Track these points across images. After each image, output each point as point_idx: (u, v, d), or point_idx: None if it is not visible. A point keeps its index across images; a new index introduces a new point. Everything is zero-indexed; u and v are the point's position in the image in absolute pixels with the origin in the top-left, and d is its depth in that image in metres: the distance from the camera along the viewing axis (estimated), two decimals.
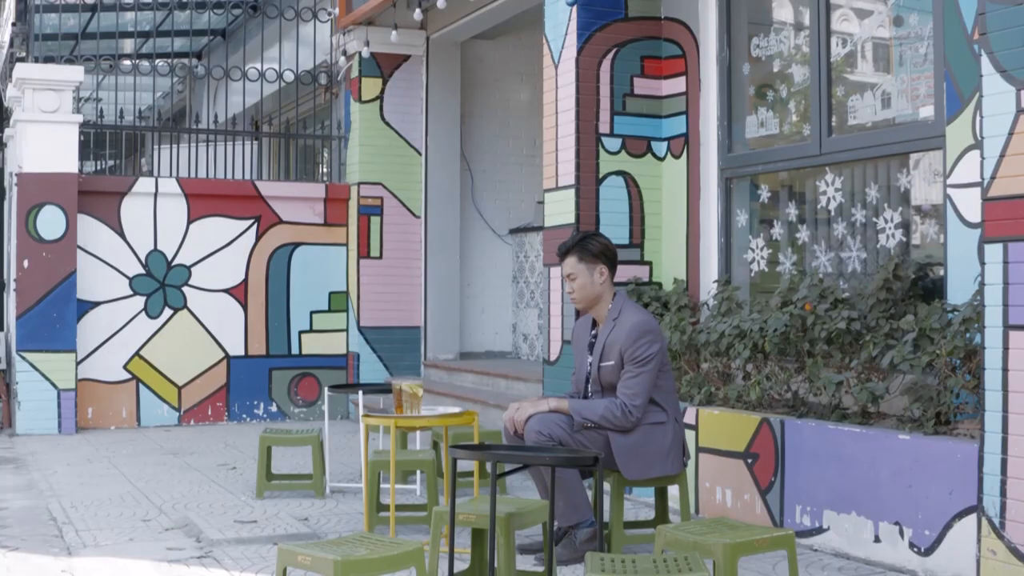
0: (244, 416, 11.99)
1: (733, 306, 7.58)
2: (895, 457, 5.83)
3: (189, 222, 11.79)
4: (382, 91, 12.42)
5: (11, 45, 12.92)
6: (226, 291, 11.89)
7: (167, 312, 11.68)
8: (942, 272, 6.42)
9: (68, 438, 10.74)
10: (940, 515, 5.60)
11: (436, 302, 12.54)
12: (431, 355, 12.47)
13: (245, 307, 11.98)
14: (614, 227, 8.31)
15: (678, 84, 8.48)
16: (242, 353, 11.99)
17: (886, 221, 7.01)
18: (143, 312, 11.59)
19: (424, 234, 12.54)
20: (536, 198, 12.09)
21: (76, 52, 12.81)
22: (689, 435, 7.00)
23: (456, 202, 12.74)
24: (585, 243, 6.05)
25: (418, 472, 7.82)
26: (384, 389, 8.02)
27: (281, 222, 12.15)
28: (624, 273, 8.19)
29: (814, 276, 7.07)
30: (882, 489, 5.90)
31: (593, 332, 6.13)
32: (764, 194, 8.03)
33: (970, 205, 6.06)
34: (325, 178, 13.97)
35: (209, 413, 11.86)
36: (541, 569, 5.78)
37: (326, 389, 8.37)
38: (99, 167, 15.19)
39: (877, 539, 5.93)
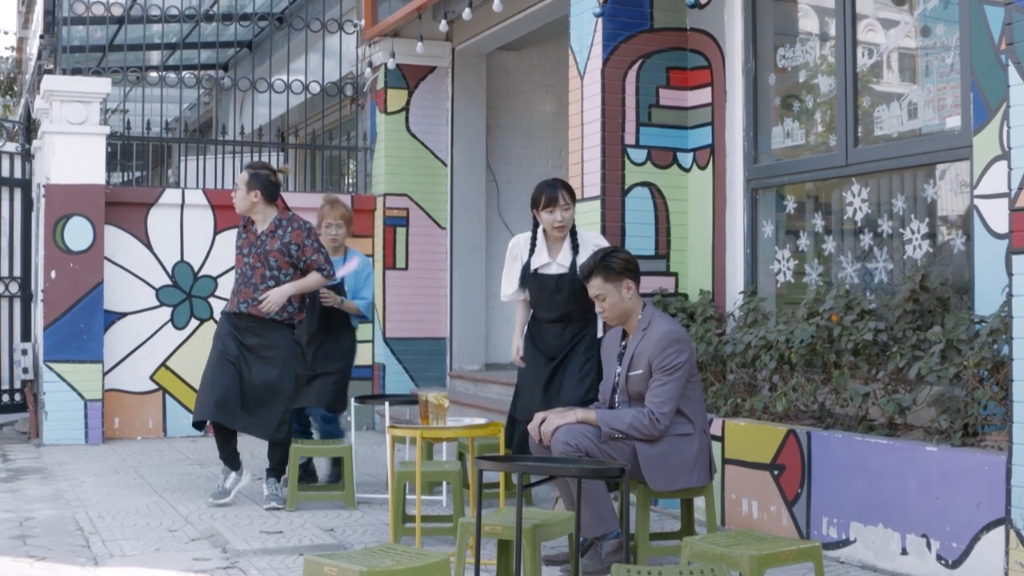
0: None
1: (759, 317, 7.57)
2: (922, 469, 5.81)
3: (215, 233, 11.83)
4: (408, 102, 12.44)
5: (39, 57, 13.00)
6: None
7: (193, 323, 11.71)
8: (969, 283, 6.40)
9: (95, 448, 10.78)
10: (968, 527, 5.57)
11: (462, 313, 12.54)
12: (456, 366, 12.47)
13: None
14: (640, 238, 8.31)
15: (704, 95, 8.48)
16: None
17: (912, 232, 6.98)
18: (169, 323, 11.63)
19: (450, 245, 12.54)
20: None
21: (103, 64, 12.89)
22: (715, 446, 6.98)
23: (481, 213, 12.75)
24: (607, 262, 6.02)
25: (444, 483, 7.82)
26: (411, 400, 8.03)
27: None
28: (650, 284, 8.18)
29: (840, 287, 7.05)
30: (909, 501, 5.88)
31: (623, 343, 6.12)
32: (790, 205, 8.02)
33: (997, 216, 6.04)
34: (351, 189, 13.99)
35: None
36: None
37: (353, 400, 8.39)
38: (126, 178, 15.27)
39: (904, 551, 5.90)
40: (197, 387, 11.42)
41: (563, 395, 6.86)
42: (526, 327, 7.29)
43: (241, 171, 8.09)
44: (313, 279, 7.90)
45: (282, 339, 7.87)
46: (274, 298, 7.75)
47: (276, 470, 7.88)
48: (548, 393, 6.98)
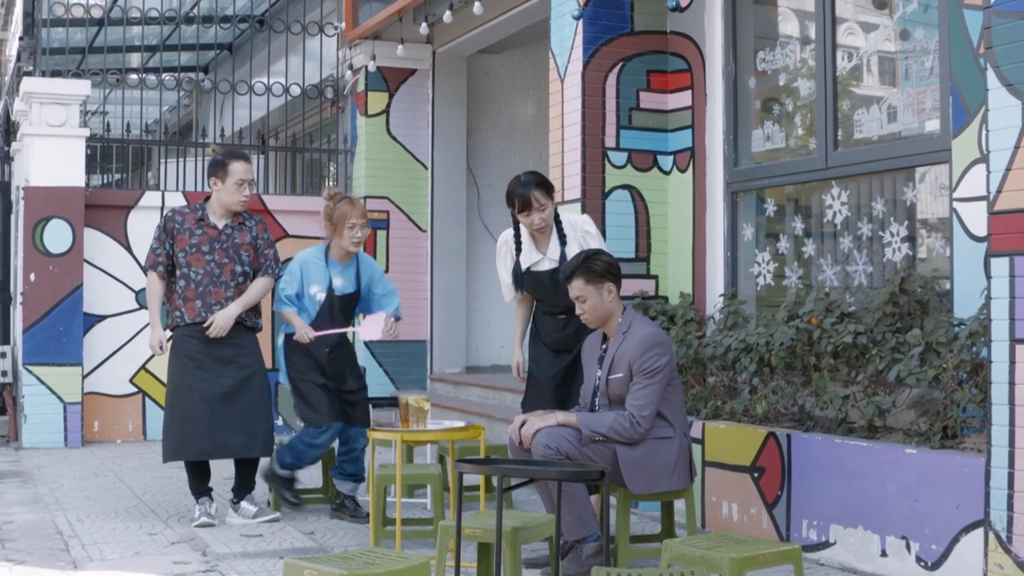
0: None
1: (739, 320, 7.58)
2: (902, 471, 5.83)
3: None
4: (388, 105, 12.44)
5: (18, 59, 12.95)
6: None
7: None
8: (948, 286, 6.42)
9: (74, 451, 10.74)
10: (947, 529, 5.59)
11: (442, 316, 12.53)
12: (437, 369, 12.46)
13: None
14: (620, 241, 8.31)
15: (684, 98, 8.49)
16: None
17: (892, 235, 7.01)
18: (149, 326, 11.58)
19: (430, 248, 12.53)
20: None
21: (83, 66, 12.83)
22: (695, 449, 6.98)
23: (462, 216, 12.75)
24: (589, 264, 6.01)
25: (428, 487, 7.81)
26: (391, 403, 8.01)
27: (287, 236, 12.15)
28: (630, 287, 8.18)
29: (820, 290, 7.06)
30: (888, 503, 5.89)
31: (603, 346, 6.12)
32: (770, 208, 8.03)
33: (976, 219, 6.06)
34: None
35: None
36: None
37: None
38: (106, 181, 15.21)
39: (884, 553, 5.92)
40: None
41: (573, 398, 6.51)
42: (530, 323, 6.92)
43: (242, 163, 7.38)
44: (260, 289, 7.41)
45: (255, 344, 7.45)
46: (220, 323, 7.23)
47: (251, 487, 7.50)
48: (559, 392, 6.64)
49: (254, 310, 7.47)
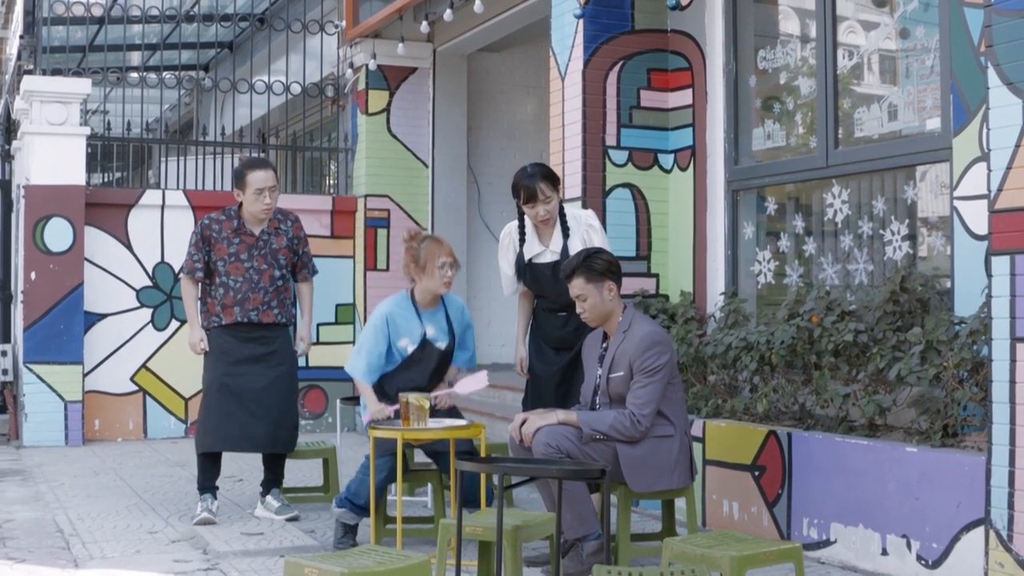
0: None
1: (740, 318, 7.58)
2: (902, 470, 5.83)
3: None
4: (389, 103, 12.43)
5: (19, 57, 12.95)
6: None
7: (174, 324, 11.66)
8: (949, 284, 6.42)
9: (75, 450, 10.74)
10: (947, 528, 5.59)
11: None
12: None
13: None
14: (621, 239, 8.31)
15: (685, 96, 8.48)
16: None
17: (893, 233, 7.00)
18: (150, 324, 11.59)
19: None
20: None
21: (84, 64, 12.83)
22: (696, 447, 6.98)
23: (463, 214, 12.74)
24: (590, 262, 6.01)
25: (429, 485, 7.81)
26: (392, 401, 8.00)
27: None
28: (631, 285, 8.17)
29: (821, 288, 7.06)
30: (889, 502, 5.89)
31: (604, 345, 6.12)
32: (771, 206, 8.03)
33: (977, 217, 6.06)
34: (332, 190, 13.97)
35: None
36: None
37: (337, 401, 8.37)
38: (106, 179, 15.18)
39: (884, 552, 5.92)
40: (177, 388, 11.55)
41: (574, 396, 6.48)
42: (530, 323, 6.89)
43: (265, 170, 7.39)
44: (311, 293, 7.74)
45: (287, 342, 7.58)
46: (310, 342, 7.73)
47: (279, 480, 7.63)
48: (560, 390, 6.62)
49: (287, 305, 7.58)
